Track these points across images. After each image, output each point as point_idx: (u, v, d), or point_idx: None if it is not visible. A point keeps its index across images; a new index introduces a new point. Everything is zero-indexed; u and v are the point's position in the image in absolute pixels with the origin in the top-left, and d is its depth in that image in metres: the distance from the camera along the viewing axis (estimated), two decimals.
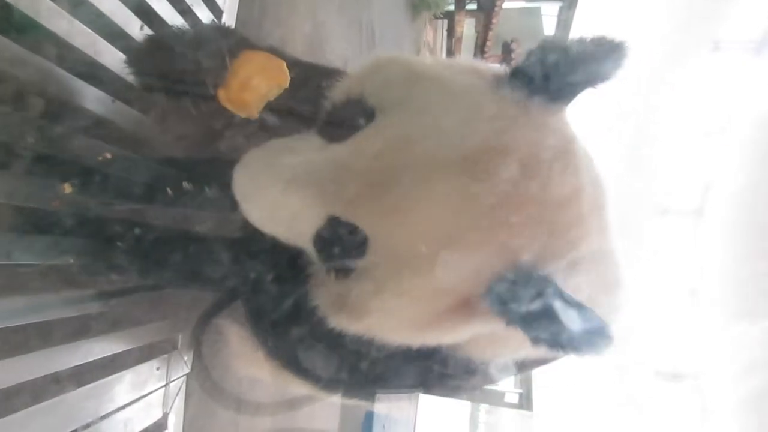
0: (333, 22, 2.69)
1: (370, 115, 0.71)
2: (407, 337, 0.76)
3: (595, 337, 0.58)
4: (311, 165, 0.70)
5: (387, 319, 0.72)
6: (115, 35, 1.09)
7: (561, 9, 7.50)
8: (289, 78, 0.87)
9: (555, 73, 0.65)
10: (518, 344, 0.75)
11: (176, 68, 0.93)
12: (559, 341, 0.59)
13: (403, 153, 0.65)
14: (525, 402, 5.54)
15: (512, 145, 0.64)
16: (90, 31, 1.03)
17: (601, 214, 0.72)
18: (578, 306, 0.58)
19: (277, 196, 0.69)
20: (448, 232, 0.64)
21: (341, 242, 0.70)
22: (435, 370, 0.88)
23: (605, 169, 0.75)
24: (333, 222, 0.70)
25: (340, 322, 0.76)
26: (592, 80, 0.66)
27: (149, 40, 1.06)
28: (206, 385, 1.31)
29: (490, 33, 6.68)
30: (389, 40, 4.15)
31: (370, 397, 1.15)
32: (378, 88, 0.74)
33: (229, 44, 0.89)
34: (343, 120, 0.74)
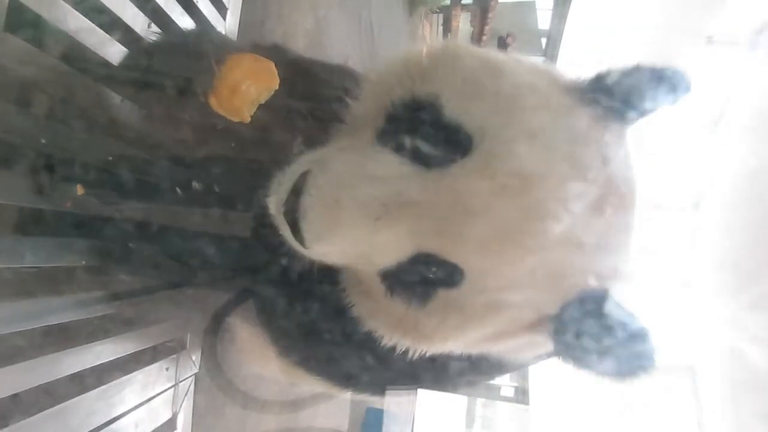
0: (334, 18, 2.68)
1: (461, 133, 0.63)
2: (464, 350, 0.74)
3: (639, 361, 0.60)
4: (406, 198, 0.61)
5: (459, 343, 0.71)
6: (122, 33, 1.08)
7: (556, 3, 7.49)
8: (278, 79, 0.84)
9: (636, 96, 0.65)
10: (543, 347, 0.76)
11: (165, 81, 0.91)
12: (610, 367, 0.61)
13: (522, 192, 0.59)
14: (521, 396, 5.57)
15: (615, 176, 0.63)
16: (98, 28, 1.02)
17: None
18: (641, 330, 0.60)
19: (365, 234, 0.61)
20: (556, 267, 0.62)
21: (427, 277, 0.65)
22: (456, 369, 0.88)
23: None
24: (425, 258, 0.63)
25: (403, 343, 0.72)
26: (662, 105, 0.66)
27: (135, 54, 1.05)
28: (219, 382, 1.31)
29: (486, 27, 6.68)
30: (387, 35, 4.14)
31: (381, 392, 1.16)
32: (463, 97, 0.66)
33: (215, 50, 0.85)
34: (431, 137, 0.64)
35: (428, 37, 6.91)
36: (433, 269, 0.63)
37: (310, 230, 0.61)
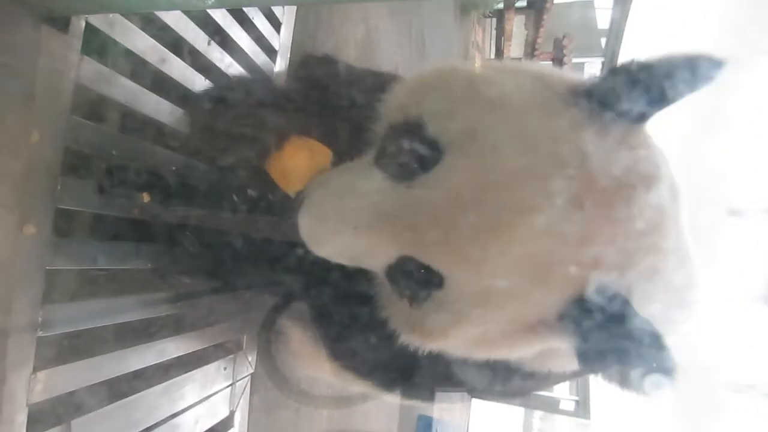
0: (384, 27, 2.72)
1: (435, 148, 0.68)
2: (478, 354, 0.77)
3: (658, 373, 0.57)
4: (379, 208, 0.68)
5: (462, 342, 0.73)
6: (184, 51, 1.15)
7: (616, 2, 7.21)
8: (329, 161, 0.89)
9: (636, 92, 0.63)
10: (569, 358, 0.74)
11: (223, 145, 0.97)
12: (623, 376, 0.60)
13: (485, 199, 0.62)
14: (582, 410, 5.36)
15: (597, 174, 0.61)
16: (161, 46, 1.09)
17: (678, 227, 0.69)
18: (651, 332, 0.57)
19: (347, 239, 0.70)
20: (530, 269, 0.62)
21: (414, 278, 0.70)
22: (493, 375, 0.89)
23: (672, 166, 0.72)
24: (406, 261, 0.70)
25: (412, 341, 0.77)
26: (674, 97, 0.63)
27: (196, 114, 1.12)
28: (274, 380, 1.36)
29: (541, 30, 6.51)
30: (438, 42, 4.14)
31: (428, 398, 1.16)
32: (440, 114, 0.70)
33: (274, 132, 0.91)
34: (404, 153, 0.70)
35: (481, 42, 6.84)
36: (419, 272, 0.69)
37: (306, 235, 0.73)
